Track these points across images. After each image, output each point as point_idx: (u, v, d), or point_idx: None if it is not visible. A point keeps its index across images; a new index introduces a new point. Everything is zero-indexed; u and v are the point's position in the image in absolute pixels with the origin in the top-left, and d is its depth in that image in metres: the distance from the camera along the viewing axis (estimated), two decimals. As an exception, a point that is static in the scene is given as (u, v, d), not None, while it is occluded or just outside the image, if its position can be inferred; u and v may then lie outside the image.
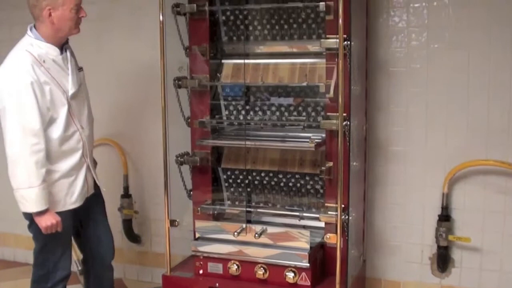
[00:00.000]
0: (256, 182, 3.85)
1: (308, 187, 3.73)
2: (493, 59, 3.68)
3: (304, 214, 3.70)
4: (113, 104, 4.69)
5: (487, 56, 3.69)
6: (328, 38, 3.32)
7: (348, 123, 3.35)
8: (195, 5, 3.62)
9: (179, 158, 3.75)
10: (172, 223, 3.70)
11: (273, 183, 3.81)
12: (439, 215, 3.86)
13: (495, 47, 3.67)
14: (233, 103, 3.85)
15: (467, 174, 3.82)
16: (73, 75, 3.28)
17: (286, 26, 3.66)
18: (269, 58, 3.74)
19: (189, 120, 3.81)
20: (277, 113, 3.76)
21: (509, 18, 3.62)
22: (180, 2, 3.66)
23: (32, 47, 3.15)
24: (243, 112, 3.83)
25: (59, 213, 3.22)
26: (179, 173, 3.81)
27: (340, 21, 3.16)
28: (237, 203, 3.92)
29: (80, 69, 3.42)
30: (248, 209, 3.82)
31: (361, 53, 3.71)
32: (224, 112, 3.88)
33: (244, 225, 3.54)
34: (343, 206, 3.33)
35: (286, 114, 3.75)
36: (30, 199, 3.08)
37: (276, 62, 3.72)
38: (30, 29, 3.21)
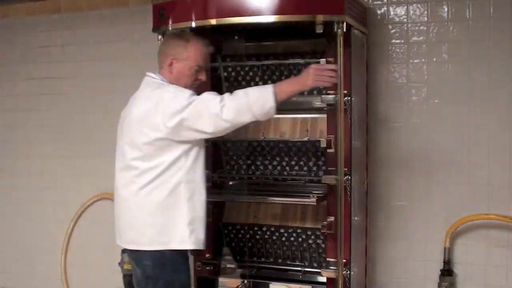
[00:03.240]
0: (257, 237, 3.83)
1: (310, 241, 3.72)
2: (493, 114, 3.72)
3: (306, 269, 3.68)
4: (114, 158, 4.71)
5: (487, 111, 3.73)
6: (329, 94, 3.35)
7: (349, 177, 3.37)
8: (197, 61, 3.67)
9: (180, 213, 3.74)
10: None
11: (274, 237, 3.80)
12: (441, 270, 3.83)
13: (495, 102, 3.70)
14: (235, 157, 3.86)
15: (469, 228, 3.81)
16: None
17: (287, 82, 3.69)
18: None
19: (191, 175, 3.81)
20: (279, 168, 3.77)
21: (508, 74, 3.67)
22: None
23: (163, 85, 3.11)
24: (244, 166, 3.84)
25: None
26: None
27: (340, 77, 3.20)
28: (238, 258, 3.90)
29: None
30: (249, 264, 3.80)
31: (361, 108, 3.74)
32: (226, 167, 3.89)
33: (245, 281, 3.51)
34: (344, 261, 3.32)
35: (287, 168, 3.76)
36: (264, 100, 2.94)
37: (277, 117, 3.74)
38: (154, 73, 3.18)
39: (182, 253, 3.10)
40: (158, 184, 2.98)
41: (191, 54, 3.13)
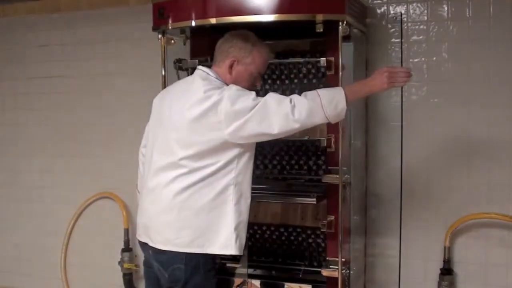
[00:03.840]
0: (257, 236, 3.84)
1: (310, 240, 3.72)
2: (493, 114, 3.72)
3: (306, 268, 3.68)
4: (114, 157, 4.72)
5: (486, 111, 3.73)
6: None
7: (349, 177, 3.37)
8: (197, 60, 3.66)
9: (180, 212, 3.74)
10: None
11: (274, 236, 3.80)
12: (441, 269, 3.84)
13: (495, 102, 3.71)
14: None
15: (469, 227, 3.81)
16: None
17: (287, 81, 3.70)
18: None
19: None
20: (278, 167, 3.77)
21: (508, 73, 3.67)
22: (182, 58, 3.71)
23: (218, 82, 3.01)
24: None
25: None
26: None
27: (340, 76, 3.21)
28: (238, 257, 3.90)
29: None
30: (249, 263, 3.80)
31: (361, 108, 3.75)
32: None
33: (246, 280, 3.52)
34: (344, 260, 3.32)
35: (287, 168, 3.76)
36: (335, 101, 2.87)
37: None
38: (208, 69, 3.08)
39: (215, 259, 3.01)
40: (206, 184, 2.87)
41: (255, 60, 3.05)
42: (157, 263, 3.00)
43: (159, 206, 2.95)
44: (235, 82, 3.00)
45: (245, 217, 2.97)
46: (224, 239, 2.89)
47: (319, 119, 2.86)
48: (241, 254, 2.98)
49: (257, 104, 2.79)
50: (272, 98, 2.83)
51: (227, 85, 2.96)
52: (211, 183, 2.87)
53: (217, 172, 2.87)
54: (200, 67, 3.09)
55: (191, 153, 2.85)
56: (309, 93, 2.87)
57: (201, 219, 2.87)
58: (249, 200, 2.99)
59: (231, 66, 3.03)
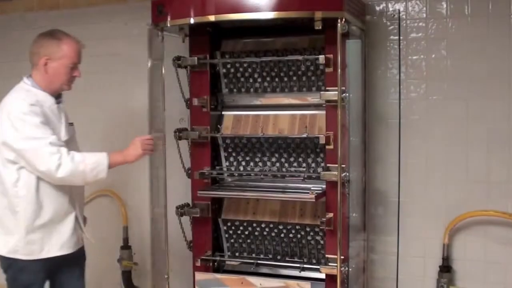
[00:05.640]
0: (256, 233, 3.84)
1: (309, 238, 3.72)
2: (492, 111, 3.72)
3: (305, 266, 3.68)
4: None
5: (485, 108, 3.73)
6: (328, 90, 3.36)
7: (348, 174, 3.37)
8: (196, 58, 3.67)
9: (179, 210, 3.75)
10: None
11: (273, 234, 3.80)
12: (440, 266, 3.84)
13: (493, 98, 3.71)
14: (234, 154, 3.86)
15: (467, 224, 3.81)
16: (66, 125, 3.34)
17: (286, 79, 3.70)
18: (269, 109, 3.78)
19: (190, 172, 3.82)
20: (278, 164, 3.77)
21: (507, 70, 3.67)
22: (181, 55, 3.71)
23: (29, 93, 3.21)
24: (243, 163, 3.84)
25: (35, 261, 3.22)
26: (179, 224, 3.81)
27: (339, 73, 3.21)
28: (237, 254, 3.90)
29: (70, 124, 3.45)
30: (248, 260, 3.80)
31: (359, 105, 3.75)
32: (225, 163, 3.89)
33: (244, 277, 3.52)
34: (343, 257, 3.32)
35: (286, 165, 3.76)
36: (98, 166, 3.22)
37: (276, 113, 3.76)
38: (27, 78, 3.28)
39: None
40: None
41: (66, 52, 3.25)
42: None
43: None
44: (54, 78, 3.25)
45: None
46: None
47: (78, 181, 3.24)
48: None
49: (29, 150, 3.10)
50: (44, 150, 3.08)
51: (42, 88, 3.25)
52: None
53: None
54: (23, 78, 3.32)
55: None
56: (78, 155, 3.16)
57: None
58: None
59: (45, 65, 3.22)
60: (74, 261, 3.49)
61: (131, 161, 3.36)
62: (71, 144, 3.35)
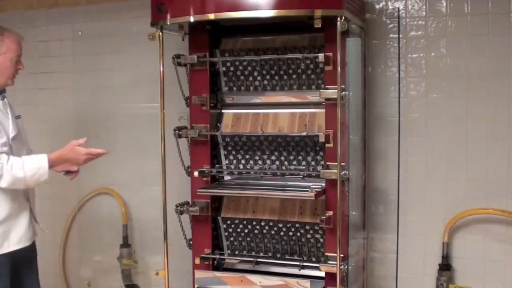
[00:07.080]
0: (256, 231, 3.84)
1: (308, 236, 3.72)
2: (491, 109, 3.72)
3: (304, 264, 3.68)
4: (113, 153, 4.71)
5: (485, 106, 3.73)
6: (328, 89, 3.36)
7: (347, 172, 3.37)
8: (195, 56, 3.67)
9: (179, 208, 3.75)
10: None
11: (273, 232, 3.80)
12: (439, 264, 3.84)
13: (493, 97, 3.71)
14: (233, 152, 3.86)
15: (467, 223, 3.81)
16: (13, 119, 3.43)
17: (285, 77, 3.70)
18: (269, 108, 3.78)
19: (189, 170, 3.82)
20: (277, 162, 3.77)
21: (507, 69, 3.67)
22: (180, 53, 3.71)
23: None
24: (243, 161, 3.84)
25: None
26: (179, 223, 3.81)
27: (339, 71, 3.21)
28: (237, 252, 3.90)
29: (17, 116, 3.54)
30: (248, 258, 3.80)
31: (359, 103, 3.75)
32: (224, 162, 3.89)
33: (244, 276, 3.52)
34: (342, 255, 3.32)
35: (286, 163, 3.76)
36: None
37: (276, 111, 3.76)
38: None
39: None
40: None
41: (10, 46, 3.36)
42: None
43: None
44: (1, 73, 3.36)
45: None
46: None
47: (20, 187, 3.33)
48: None
49: None
50: None
51: None
52: None
53: None
54: None
55: None
56: (17, 163, 3.25)
57: None
58: None
59: None
60: (30, 255, 3.61)
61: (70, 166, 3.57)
62: (19, 138, 3.46)
